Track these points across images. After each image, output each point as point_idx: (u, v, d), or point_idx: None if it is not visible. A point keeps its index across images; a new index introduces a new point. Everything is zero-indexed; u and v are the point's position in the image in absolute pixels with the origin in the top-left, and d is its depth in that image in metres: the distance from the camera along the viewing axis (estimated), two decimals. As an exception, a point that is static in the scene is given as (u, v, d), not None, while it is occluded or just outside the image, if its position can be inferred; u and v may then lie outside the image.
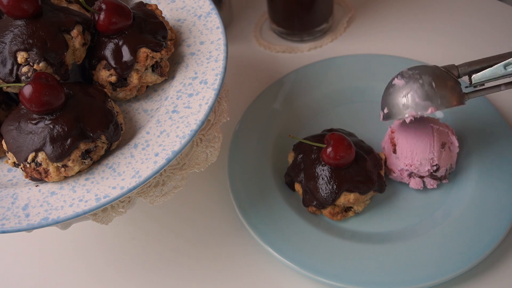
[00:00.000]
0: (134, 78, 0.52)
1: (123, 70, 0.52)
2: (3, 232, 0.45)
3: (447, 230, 0.56)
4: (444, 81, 0.54)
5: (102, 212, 0.49)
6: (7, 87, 0.49)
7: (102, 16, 0.51)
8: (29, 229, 0.45)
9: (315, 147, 0.59)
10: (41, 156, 0.47)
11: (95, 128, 0.47)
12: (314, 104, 0.70)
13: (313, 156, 0.59)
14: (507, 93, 0.69)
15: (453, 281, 0.54)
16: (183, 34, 0.56)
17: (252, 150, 0.65)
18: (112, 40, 0.52)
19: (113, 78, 0.52)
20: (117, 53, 0.52)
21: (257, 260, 0.59)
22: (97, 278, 0.60)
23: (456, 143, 0.60)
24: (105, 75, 0.52)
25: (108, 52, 0.52)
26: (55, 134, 0.46)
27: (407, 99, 0.55)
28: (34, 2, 0.48)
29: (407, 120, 0.55)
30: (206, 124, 0.54)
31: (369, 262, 0.55)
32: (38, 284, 0.60)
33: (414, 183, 0.60)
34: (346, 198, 0.57)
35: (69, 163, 0.47)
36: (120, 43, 0.52)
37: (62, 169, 0.47)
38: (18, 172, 0.51)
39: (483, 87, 0.55)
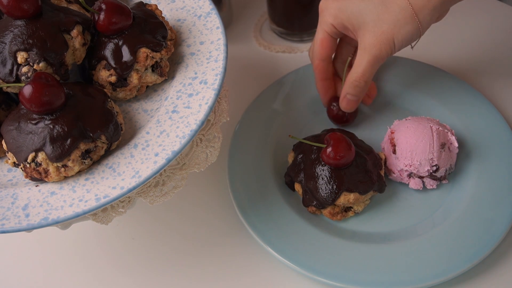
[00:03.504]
0: (134, 78, 0.52)
1: (123, 70, 0.52)
2: (3, 232, 0.45)
3: (447, 230, 0.56)
4: None
5: (102, 212, 0.49)
6: (7, 87, 0.49)
7: (102, 16, 0.51)
8: (29, 229, 0.45)
9: (315, 147, 0.59)
10: (41, 156, 0.47)
11: (95, 128, 0.47)
12: (314, 104, 0.70)
13: (313, 156, 0.59)
14: (507, 93, 0.70)
15: (453, 281, 0.54)
16: (183, 34, 0.56)
17: (252, 150, 0.65)
18: (112, 40, 0.52)
19: (113, 78, 0.52)
20: (117, 53, 0.52)
21: (257, 260, 0.59)
22: (97, 278, 0.60)
23: (456, 144, 0.60)
24: (105, 75, 0.52)
25: (108, 52, 0.52)
26: (55, 134, 0.46)
27: None
28: (34, 2, 0.48)
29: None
30: (206, 124, 0.54)
31: (369, 262, 0.55)
32: (38, 284, 0.60)
33: (414, 183, 0.60)
34: (346, 198, 0.57)
35: (69, 163, 0.47)
36: (120, 43, 0.52)
37: (62, 169, 0.47)
38: (18, 172, 0.51)
39: None
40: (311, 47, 0.64)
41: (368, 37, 0.57)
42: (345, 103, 0.62)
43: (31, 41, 0.48)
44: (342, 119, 0.66)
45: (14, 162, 0.48)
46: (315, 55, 0.63)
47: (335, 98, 0.67)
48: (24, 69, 0.48)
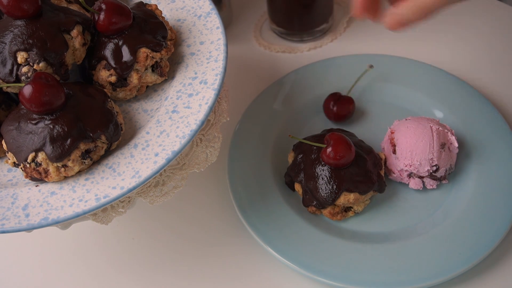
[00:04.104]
0: (134, 78, 0.52)
1: (123, 70, 0.52)
2: (3, 232, 0.45)
3: (447, 230, 0.56)
4: None
5: (102, 212, 0.49)
6: (7, 87, 0.49)
7: (102, 16, 0.51)
8: (29, 229, 0.45)
9: (315, 147, 0.59)
10: (41, 156, 0.47)
11: (95, 128, 0.48)
12: (314, 104, 0.70)
13: (313, 156, 0.59)
14: (507, 93, 0.69)
15: (453, 281, 0.54)
16: (183, 34, 0.56)
17: (252, 150, 0.65)
18: (112, 40, 0.52)
19: (113, 78, 0.52)
20: (117, 53, 0.52)
21: (257, 260, 0.59)
22: (96, 278, 0.60)
23: (456, 144, 0.60)
24: (105, 75, 0.52)
25: (108, 52, 0.52)
26: (55, 134, 0.46)
27: None
28: (34, 2, 0.48)
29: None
30: (206, 124, 0.54)
31: (369, 262, 0.55)
32: (38, 284, 0.60)
33: (414, 183, 0.60)
34: (346, 198, 0.57)
35: (69, 163, 0.47)
36: (120, 43, 0.52)
37: (62, 169, 0.47)
38: (18, 172, 0.51)
39: None
40: None
41: None
42: (391, 19, 0.51)
43: (31, 41, 0.48)
44: (337, 117, 0.67)
45: (14, 162, 0.48)
46: None
47: (332, 96, 0.67)
48: (24, 69, 0.48)
